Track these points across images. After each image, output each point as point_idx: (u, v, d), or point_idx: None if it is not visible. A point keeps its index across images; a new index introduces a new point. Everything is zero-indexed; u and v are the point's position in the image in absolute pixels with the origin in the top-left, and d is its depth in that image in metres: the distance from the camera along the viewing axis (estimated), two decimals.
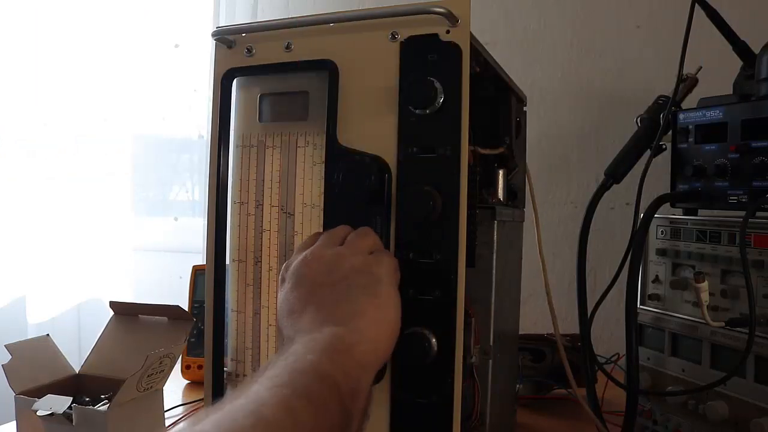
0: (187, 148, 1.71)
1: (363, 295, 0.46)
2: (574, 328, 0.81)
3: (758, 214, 0.64)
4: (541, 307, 0.79)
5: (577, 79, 1.21)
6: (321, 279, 0.48)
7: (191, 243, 1.47)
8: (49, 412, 0.70)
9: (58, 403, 0.71)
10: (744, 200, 0.67)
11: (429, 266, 0.52)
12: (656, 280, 0.75)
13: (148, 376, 0.75)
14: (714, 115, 0.71)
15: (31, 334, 1.23)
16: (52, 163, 1.58)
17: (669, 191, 0.74)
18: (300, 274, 0.49)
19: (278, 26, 0.59)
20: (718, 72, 0.81)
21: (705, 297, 0.65)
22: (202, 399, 0.70)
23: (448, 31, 0.52)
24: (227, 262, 0.61)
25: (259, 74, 0.60)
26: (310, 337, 0.43)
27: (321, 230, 0.56)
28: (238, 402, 0.35)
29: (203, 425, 0.32)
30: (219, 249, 0.61)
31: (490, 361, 0.61)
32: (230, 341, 0.62)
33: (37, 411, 0.70)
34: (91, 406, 0.73)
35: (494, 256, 0.61)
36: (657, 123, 0.78)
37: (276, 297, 0.52)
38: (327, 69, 0.56)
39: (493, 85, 0.66)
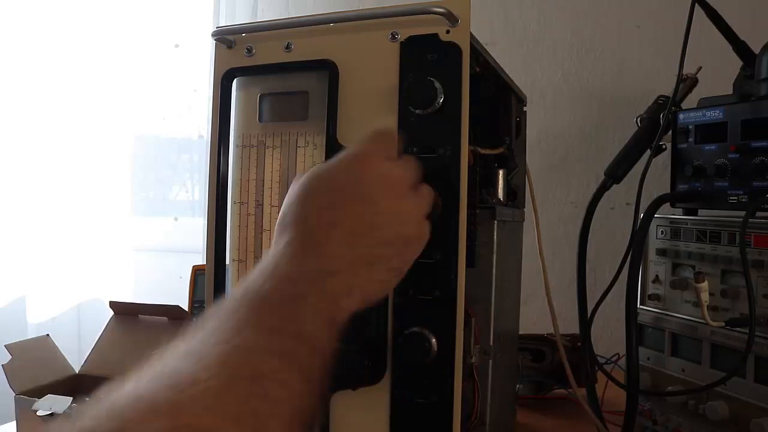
0: (187, 148, 1.71)
1: (386, 269, 0.43)
2: (574, 328, 0.81)
3: (758, 214, 0.64)
4: (541, 307, 0.79)
5: (577, 79, 1.21)
6: (365, 208, 0.42)
7: (191, 243, 1.47)
8: (49, 412, 0.70)
9: (58, 403, 0.71)
10: (744, 200, 0.67)
11: (429, 266, 0.52)
12: (656, 280, 0.75)
13: None
14: (714, 115, 0.71)
15: (31, 334, 1.24)
16: (53, 163, 1.58)
17: (669, 191, 0.74)
18: (353, 179, 0.42)
19: (278, 26, 0.59)
20: (718, 72, 0.81)
21: (705, 297, 0.65)
22: None
23: (448, 31, 0.52)
24: (227, 262, 0.61)
25: (259, 74, 0.60)
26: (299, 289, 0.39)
27: None
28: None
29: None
30: (219, 249, 0.61)
31: (490, 361, 0.60)
32: None
33: (37, 411, 0.70)
34: None
35: (494, 256, 0.61)
36: (657, 123, 0.78)
37: None
38: (327, 69, 0.56)
39: (493, 85, 0.65)
